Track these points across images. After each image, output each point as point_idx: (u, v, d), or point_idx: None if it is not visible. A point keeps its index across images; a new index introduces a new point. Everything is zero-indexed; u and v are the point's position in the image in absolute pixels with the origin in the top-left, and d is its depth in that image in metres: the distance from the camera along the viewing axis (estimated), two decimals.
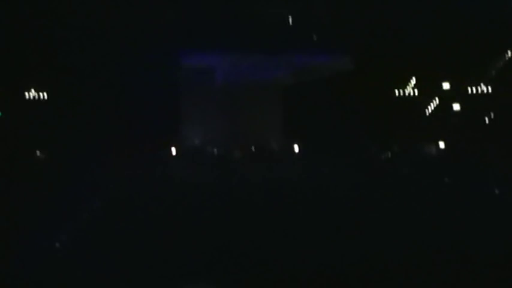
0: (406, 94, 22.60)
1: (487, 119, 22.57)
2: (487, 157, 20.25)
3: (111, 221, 16.78)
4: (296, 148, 21.38)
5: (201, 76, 21.96)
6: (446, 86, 22.49)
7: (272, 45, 21.25)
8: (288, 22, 21.59)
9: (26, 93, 21.28)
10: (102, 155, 19.46)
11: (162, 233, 16.03)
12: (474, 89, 22.61)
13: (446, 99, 22.38)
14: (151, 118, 20.49)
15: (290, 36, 21.33)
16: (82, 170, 18.77)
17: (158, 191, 18.67)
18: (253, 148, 21.53)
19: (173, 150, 21.13)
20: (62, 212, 16.94)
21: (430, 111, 22.61)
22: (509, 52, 22.29)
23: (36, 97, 21.24)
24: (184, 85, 21.95)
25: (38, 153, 20.94)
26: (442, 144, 22.09)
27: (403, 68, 22.10)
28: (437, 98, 22.58)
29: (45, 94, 21.42)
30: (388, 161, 22.07)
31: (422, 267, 14.54)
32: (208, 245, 15.58)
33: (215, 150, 21.60)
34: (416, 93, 22.55)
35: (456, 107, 22.39)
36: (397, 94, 22.53)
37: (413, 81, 22.57)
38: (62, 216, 16.83)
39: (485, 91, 22.54)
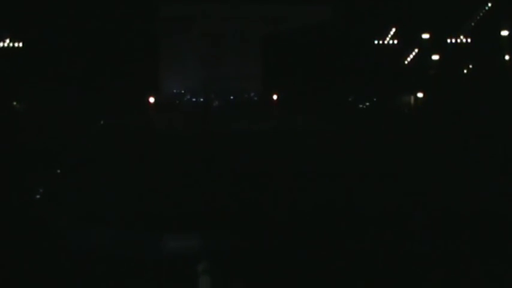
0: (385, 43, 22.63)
1: (465, 70, 22.71)
2: (465, 107, 20.35)
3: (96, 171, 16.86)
4: (275, 96, 21.38)
5: (181, 26, 21.87)
6: (425, 36, 22.53)
7: None
8: None
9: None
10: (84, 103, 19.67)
11: (142, 180, 16.08)
12: (453, 40, 22.70)
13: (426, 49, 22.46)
14: (130, 67, 20.54)
15: None
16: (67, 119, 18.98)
17: (138, 138, 18.70)
18: (231, 96, 21.54)
19: (151, 99, 21.05)
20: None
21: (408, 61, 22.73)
22: (488, 3, 22.34)
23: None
24: (163, 34, 21.97)
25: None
26: (420, 94, 22.22)
27: (382, 18, 22.08)
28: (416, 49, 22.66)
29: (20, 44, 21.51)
30: (366, 110, 22.20)
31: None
32: (188, 191, 15.65)
33: (193, 99, 21.59)
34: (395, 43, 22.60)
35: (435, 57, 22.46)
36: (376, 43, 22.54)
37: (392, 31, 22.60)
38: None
39: (464, 42, 22.63)
